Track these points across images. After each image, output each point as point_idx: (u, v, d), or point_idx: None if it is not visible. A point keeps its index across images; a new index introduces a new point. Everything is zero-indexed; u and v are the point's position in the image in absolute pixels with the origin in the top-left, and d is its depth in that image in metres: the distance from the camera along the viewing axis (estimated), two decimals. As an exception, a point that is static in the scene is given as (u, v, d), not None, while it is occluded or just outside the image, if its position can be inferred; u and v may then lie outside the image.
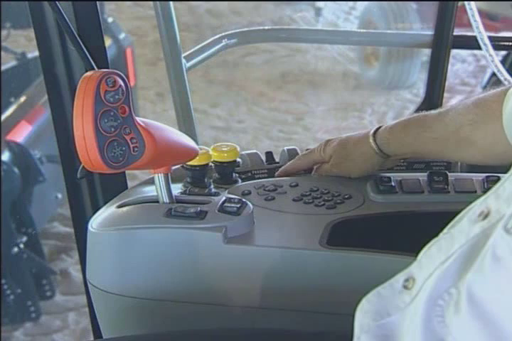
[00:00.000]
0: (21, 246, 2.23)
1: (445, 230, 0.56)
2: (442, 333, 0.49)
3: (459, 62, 4.92)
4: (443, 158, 1.07)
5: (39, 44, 1.12)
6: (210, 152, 1.00)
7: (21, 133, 2.47)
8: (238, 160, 1.03)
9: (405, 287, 0.55)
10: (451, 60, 1.67)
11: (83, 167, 0.82)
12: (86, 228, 0.94)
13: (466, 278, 0.48)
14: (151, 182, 0.99)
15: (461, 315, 0.48)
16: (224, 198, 0.94)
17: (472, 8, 1.32)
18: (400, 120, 1.01)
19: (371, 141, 0.99)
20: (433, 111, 0.97)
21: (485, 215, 0.52)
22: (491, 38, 1.34)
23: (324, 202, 0.99)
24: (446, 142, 0.95)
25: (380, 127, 1.00)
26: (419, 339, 0.51)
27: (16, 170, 2.26)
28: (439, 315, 0.50)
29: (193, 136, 1.11)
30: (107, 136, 0.79)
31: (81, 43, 0.97)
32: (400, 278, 0.56)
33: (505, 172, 0.57)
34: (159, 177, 0.91)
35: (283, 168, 1.08)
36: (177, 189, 0.98)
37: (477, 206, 0.54)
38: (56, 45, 1.10)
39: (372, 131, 1.00)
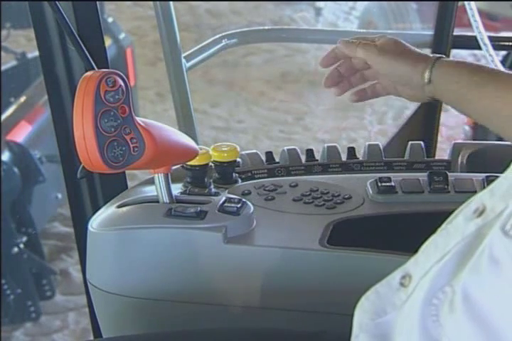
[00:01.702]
0: (21, 246, 2.23)
1: (442, 226, 0.56)
2: (437, 333, 0.49)
3: (459, 62, 4.91)
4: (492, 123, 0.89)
5: (39, 44, 1.12)
6: (210, 152, 1.00)
7: (21, 133, 2.46)
8: (238, 160, 1.03)
9: (402, 284, 0.55)
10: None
11: (83, 167, 0.82)
12: (86, 228, 0.94)
13: (462, 277, 0.48)
14: (151, 182, 0.99)
15: (456, 315, 0.48)
16: (224, 198, 0.94)
17: (472, 8, 1.32)
18: (464, 62, 0.90)
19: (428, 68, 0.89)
20: (508, 71, 0.89)
21: (480, 212, 0.52)
22: (491, 38, 1.34)
23: (324, 202, 0.99)
24: (507, 108, 0.84)
25: (440, 58, 0.91)
26: (414, 339, 0.51)
27: (15, 170, 2.26)
28: (434, 315, 0.50)
29: (193, 136, 1.11)
30: (107, 136, 0.80)
31: (81, 43, 0.98)
32: (396, 275, 0.56)
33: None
34: (159, 177, 0.91)
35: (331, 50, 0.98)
36: (177, 189, 0.98)
37: (472, 203, 0.54)
38: (56, 45, 1.10)
39: (433, 57, 0.90)
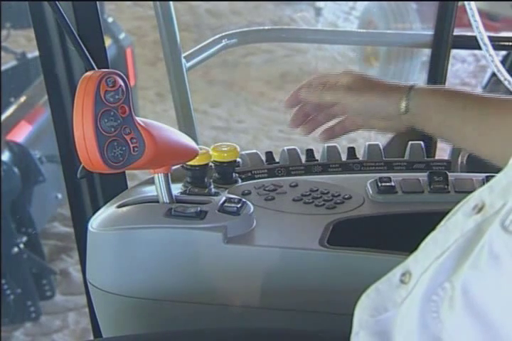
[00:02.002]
0: (21, 246, 2.23)
1: (442, 222, 0.56)
2: (437, 329, 0.49)
3: (459, 62, 4.92)
4: (465, 145, 0.88)
5: (39, 44, 1.12)
6: (210, 152, 1.00)
7: (21, 133, 2.46)
8: (238, 160, 1.03)
9: (402, 281, 0.55)
10: (451, 60, 1.67)
11: (83, 167, 0.82)
12: (86, 228, 0.94)
13: (461, 273, 0.48)
14: (151, 182, 0.99)
15: (456, 311, 0.48)
16: (224, 198, 0.94)
17: (472, 8, 1.32)
18: (441, 89, 0.89)
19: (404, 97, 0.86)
20: (482, 94, 0.87)
21: (479, 208, 0.52)
22: (491, 38, 1.34)
23: (324, 202, 0.99)
24: (493, 132, 0.82)
25: (414, 86, 0.88)
26: (414, 335, 0.51)
27: (15, 170, 2.25)
28: (434, 311, 0.50)
29: (193, 136, 1.11)
30: (107, 136, 0.80)
31: (81, 43, 0.97)
32: (397, 272, 0.56)
33: None
34: (159, 177, 0.91)
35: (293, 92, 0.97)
36: (177, 189, 0.98)
37: (472, 199, 0.54)
38: (56, 45, 1.10)
39: (407, 86, 0.87)
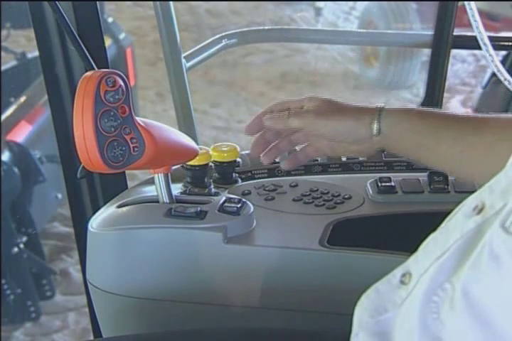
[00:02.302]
0: (21, 246, 2.23)
1: (442, 224, 0.56)
2: (437, 330, 0.49)
3: (459, 62, 4.92)
4: (438, 166, 0.87)
5: (39, 44, 1.12)
6: (210, 152, 1.00)
7: (21, 133, 2.46)
8: (238, 160, 1.03)
9: (402, 282, 0.55)
10: (451, 60, 1.67)
11: (83, 167, 0.82)
12: (86, 228, 0.94)
13: (462, 274, 0.48)
14: (151, 182, 0.99)
15: (456, 312, 0.48)
16: (224, 198, 0.94)
17: (472, 8, 1.32)
18: (413, 109, 0.86)
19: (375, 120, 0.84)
20: (456, 114, 0.84)
21: (479, 210, 0.52)
22: (491, 38, 1.34)
23: (324, 202, 0.99)
24: (470, 150, 0.80)
25: (384, 107, 0.85)
26: (415, 336, 0.51)
27: (15, 170, 2.26)
28: (435, 312, 0.50)
29: (193, 136, 1.11)
30: (107, 136, 0.80)
31: (81, 43, 0.97)
32: (397, 272, 0.56)
33: None
34: (159, 177, 0.91)
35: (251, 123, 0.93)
36: (177, 189, 0.98)
37: (472, 200, 0.54)
38: (56, 45, 1.10)
39: (377, 108, 0.85)
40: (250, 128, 0.92)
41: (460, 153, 0.80)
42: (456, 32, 1.64)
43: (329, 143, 0.89)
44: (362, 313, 0.57)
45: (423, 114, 0.84)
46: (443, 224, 0.56)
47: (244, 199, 0.94)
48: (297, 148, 0.95)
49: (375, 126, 0.83)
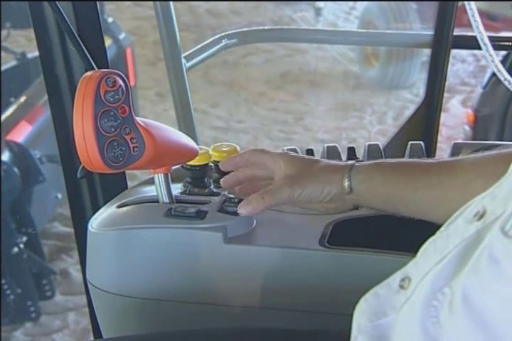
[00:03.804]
0: (21, 246, 2.23)
1: (442, 227, 0.56)
2: (437, 334, 0.49)
3: (459, 62, 4.93)
4: (419, 214, 0.86)
5: (39, 44, 1.12)
6: (210, 152, 1.00)
7: (21, 133, 2.47)
8: (238, 160, 1.03)
9: (401, 287, 0.55)
10: (451, 60, 1.68)
11: (83, 167, 0.82)
12: (86, 228, 0.94)
13: (461, 278, 0.48)
14: (151, 182, 0.99)
15: (456, 316, 0.48)
16: (224, 198, 0.94)
17: (472, 8, 1.32)
18: (384, 161, 0.87)
19: (346, 176, 0.84)
20: (425, 160, 0.85)
21: (480, 215, 0.52)
22: (491, 38, 1.34)
23: (324, 202, 0.98)
24: (446, 193, 0.81)
25: (354, 163, 0.86)
26: (415, 340, 0.51)
27: (15, 170, 2.26)
28: (434, 316, 0.50)
29: (193, 136, 1.11)
30: (107, 136, 0.80)
31: (81, 43, 0.98)
32: (396, 277, 0.56)
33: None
34: (159, 177, 0.91)
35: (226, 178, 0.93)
36: (177, 189, 0.98)
37: (473, 205, 0.54)
38: (56, 45, 1.10)
39: (347, 165, 0.86)
40: (225, 165, 0.92)
41: (437, 198, 0.81)
42: (456, 32, 1.64)
43: (306, 204, 0.88)
44: (360, 317, 0.57)
45: (395, 164, 0.85)
46: (442, 228, 0.56)
47: (244, 199, 0.94)
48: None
49: (346, 184, 0.84)
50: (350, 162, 0.86)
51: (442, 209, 0.79)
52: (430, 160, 0.84)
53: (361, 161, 0.86)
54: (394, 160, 0.86)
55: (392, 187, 0.83)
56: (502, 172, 0.70)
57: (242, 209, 0.85)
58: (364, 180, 0.84)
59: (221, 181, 0.93)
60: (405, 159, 0.87)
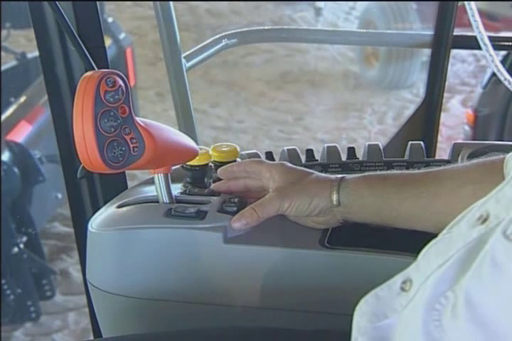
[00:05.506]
0: (21, 246, 2.23)
1: (444, 230, 0.56)
2: (440, 337, 0.49)
3: (459, 62, 4.93)
4: (411, 224, 0.86)
5: (39, 44, 1.12)
6: (210, 152, 1.00)
7: (21, 133, 2.47)
8: (238, 160, 1.03)
9: (403, 289, 0.55)
10: (451, 60, 1.68)
11: (83, 167, 0.82)
12: (86, 228, 0.94)
13: (464, 282, 0.48)
14: (151, 182, 0.99)
15: (459, 320, 0.47)
16: (224, 198, 0.94)
17: (472, 8, 1.32)
18: (372, 174, 0.89)
19: (334, 190, 0.86)
20: (411, 171, 0.88)
21: (484, 219, 0.52)
22: (490, 38, 1.34)
23: (324, 202, 0.98)
24: (435, 201, 0.82)
25: (343, 177, 0.88)
26: None
27: (15, 170, 2.26)
28: (437, 319, 0.50)
29: (193, 136, 1.11)
30: (107, 136, 0.79)
31: (81, 43, 0.97)
32: (397, 279, 0.56)
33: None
34: (159, 177, 0.91)
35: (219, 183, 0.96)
36: (177, 189, 0.98)
37: (476, 209, 0.54)
38: (56, 45, 1.10)
39: (336, 178, 0.88)
40: (221, 173, 0.95)
41: (425, 206, 0.82)
42: (456, 32, 1.64)
43: (294, 217, 0.91)
44: (360, 318, 0.57)
45: (382, 177, 0.86)
46: (444, 231, 0.56)
47: (244, 200, 0.94)
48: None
49: (335, 198, 0.86)
50: (340, 176, 0.87)
51: (431, 218, 0.82)
52: (417, 171, 0.86)
53: (353, 174, 0.88)
54: (382, 173, 0.87)
55: (379, 199, 0.84)
56: (490, 179, 0.73)
57: (236, 224, 0.88)
58: (352, 193, 0.85)
59: (212, 186, 0.96)
60: (393, 171, 0.89)
